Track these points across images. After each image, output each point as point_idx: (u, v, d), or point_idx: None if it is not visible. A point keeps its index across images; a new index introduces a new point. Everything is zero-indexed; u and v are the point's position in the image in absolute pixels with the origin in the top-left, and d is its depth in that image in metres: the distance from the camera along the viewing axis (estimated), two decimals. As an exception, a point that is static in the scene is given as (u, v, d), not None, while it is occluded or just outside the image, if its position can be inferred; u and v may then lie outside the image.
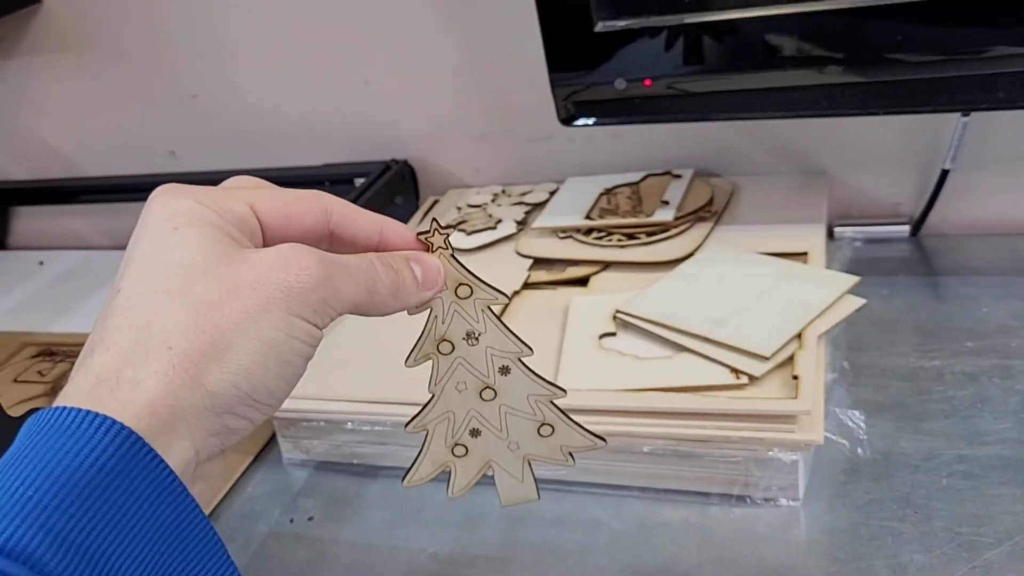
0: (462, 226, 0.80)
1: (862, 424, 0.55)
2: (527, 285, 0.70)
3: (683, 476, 0.54)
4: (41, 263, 1.07)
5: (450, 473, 0.40)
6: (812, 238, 0.68)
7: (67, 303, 0.97)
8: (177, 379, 0.29)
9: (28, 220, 1.13)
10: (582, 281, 0.69)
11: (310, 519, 0.58)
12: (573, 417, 0.40)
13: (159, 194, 0.34)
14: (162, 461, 0.28)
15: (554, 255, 0.73)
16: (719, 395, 0.53)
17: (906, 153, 0.77)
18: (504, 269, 0.72)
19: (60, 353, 0.85)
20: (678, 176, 0.80)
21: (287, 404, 0.53)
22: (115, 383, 0.29)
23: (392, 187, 0.89)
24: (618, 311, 0.62)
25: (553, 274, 0.71)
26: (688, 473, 0.53)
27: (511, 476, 0.41)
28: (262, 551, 0.56)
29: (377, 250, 0.37)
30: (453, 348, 0.38)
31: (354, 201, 0.80)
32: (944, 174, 0.74)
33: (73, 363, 0.78)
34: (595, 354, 0.59)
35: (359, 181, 0.88)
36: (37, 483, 0.26)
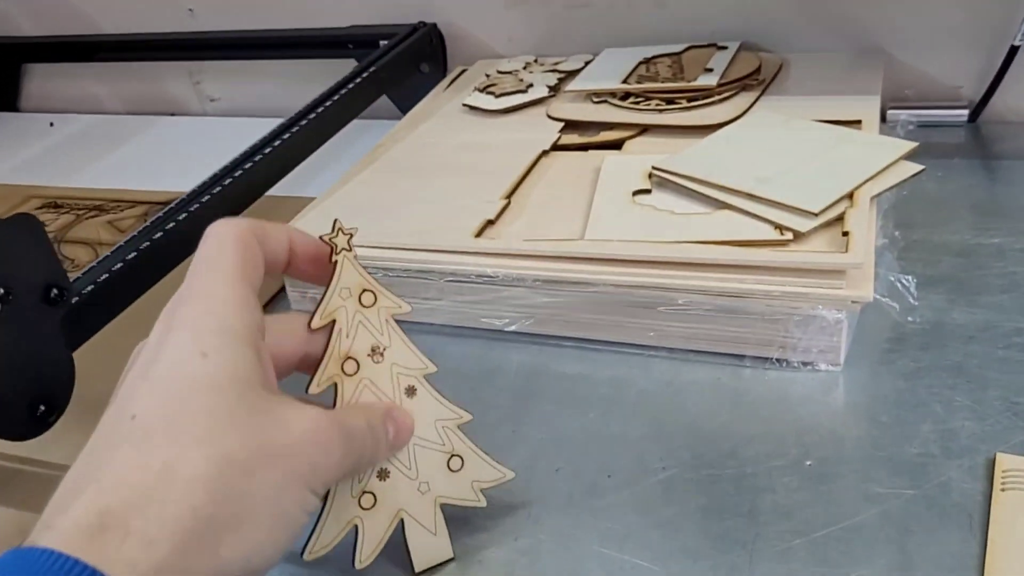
0: (490, 89, 0.75)
1: (913, 290, 0.51)
2: (556, 147, 0.66)
3: (716, 336, 0.50)
4: (52, 124, 1.03)
5: (356, 535, 0.36)
6: (866, 107, 0.64)
7: (77, 163, 0.93)
8: (193, 545, 0.27)
9: (41, 81, 1.09)
10: (616, 145, 0.65)
11: (316, 367, 0.55)
12: (480, 447, 0.38)
13: (186, 296, 0.31)
14: None
15: (587, 118, 0.68)
16: (761, 249, 0.49)
17: (971, 29, 0.71)
18: (532, 131, 0.68)
19: (66, 206, 0.82)
20: (723, 48, 0.75)
21: None
22: (124, 535, 0.25)
23: (418, 52, 0.84)
24: (654, 168, 0.57)
25: (585, 137, 0.66)
26: (721, 333, 0.49)
27: (423, 529, 0.38)
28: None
29: (290, 263, 0.36)
30: (358, 367, 0.36)
31: (376, 63, 0.76)
32: (1012, 52, 0.69)
33: (78, 216, 0.73)
34: (627, 208, 0.55)
35: (384, 44, 0.84)
36: None
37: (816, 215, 0.50)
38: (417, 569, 0.38)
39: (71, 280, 0.46)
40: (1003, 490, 0.39)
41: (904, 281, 0.51)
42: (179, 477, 0.27)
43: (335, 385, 0.35)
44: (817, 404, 0.46)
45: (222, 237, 0.33)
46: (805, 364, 0.48)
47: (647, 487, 0.42)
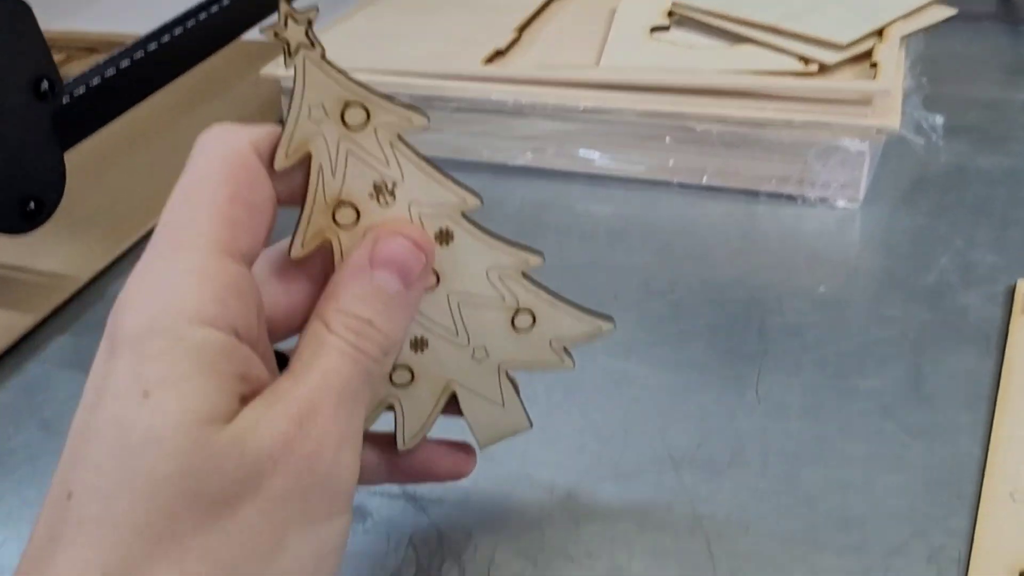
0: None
1: (939, 129, 0.49)
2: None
3: (730, 171, 0.48)
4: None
5: (394, 415, 0.28)
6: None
7: (72, 6, 0.90)
8: None
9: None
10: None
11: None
12: (561, 293, 0.27)
13: (120, 308, 0.22)
14: None
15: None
16: (785, 77, 0.46)
17: None
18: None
19: (55, 46, 0.79)
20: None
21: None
22: None
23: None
24: (674, 3, 0.55)
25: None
26: (736, 167, 0.48)
27: (484, 400, 0.29)
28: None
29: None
30: (358, 215, 0.25)
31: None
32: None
33: (69, 55, 0.68)
34: (644, 42, 0.52)
35: None
36: None
37: (844, 47, 0.48)
38: (482, 444, 0.30)
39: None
40: (1023, 313, 0.38)
41: (930, 121, 0.49)
42: None
43: (330, 243, 0.25)
44: (833, 238, 0.45)
45: (207, 165, 0.24)
46: (823, 200, 0.47)
47: (654, 307, 0.41)
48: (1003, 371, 0.35)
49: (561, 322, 0.28)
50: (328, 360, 0.23)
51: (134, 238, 0.49)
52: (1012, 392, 0.34)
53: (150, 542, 0.20)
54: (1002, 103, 0.54)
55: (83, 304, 0.46)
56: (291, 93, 0.23)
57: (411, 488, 0.34)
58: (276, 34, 0.23)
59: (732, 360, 0.38)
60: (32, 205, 0.43)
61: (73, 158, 0.46)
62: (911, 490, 0.32)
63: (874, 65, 0.46)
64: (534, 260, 0.27)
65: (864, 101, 0.44)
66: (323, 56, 0.23)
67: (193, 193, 0.23)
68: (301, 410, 0.22)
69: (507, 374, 0.29)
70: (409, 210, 0.25)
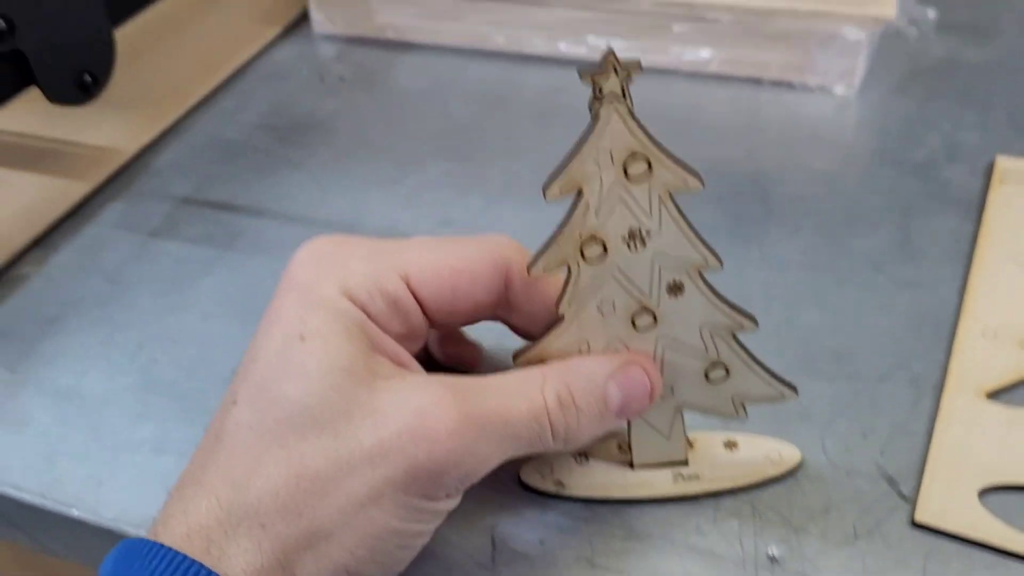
0: None
1: (931, 22, 0.52)
2: None
3: (736, 59, 0.51)
4: None
5: None
6: None
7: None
8: (267, 563, 0.24)
9: None
10: None
11: (341, 79, 0.56)
12: (758, 358, 0.29)
13: (298, 263, 0.28)
14: None
15: None
16: (790, -31, 0.50)
17: None
18: None
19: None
20: None
21: None
22: (207, 546, 0.24)
23: None
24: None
25: None
26: (741, 55, 0.51)
27: (653, 431, 0.31)
28: (290, 102, 0.54)
29: (538, 327, 0.28)
30: (604, 252, 0.26)
31: None
32: None
33: None
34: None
35: None
36: None
37: (845, -58, 0.50)
38: (637, 464, 0.31)
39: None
40: (1002, 183, 0.42)
41: (923, 14, 0.52)
42: (252, 490, 0.25)
43: (568, 270, 0.27)
44: (830, 121, 0.48)
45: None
46: (822, 88, 0.50)
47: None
48: (980, 232, 0.40)
49: (751, 382, 0.29)
50: (518, 402, 0.26)
51: (174, 116, 0.52)
52: (987, 250, 0.39)
53: (277, 445, 0.25)
54: (990, 0, 0.57)
55: (131, 175, 0.49)
56: (584, 135, 0.25)
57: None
58: (593, 78, 0.24)
59: (739, 224, 0.42)
60: (88, 78, 0.45)
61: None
62: (896, 330, 0.36)
63: (874, -41, 0.49)
64: (748, 325, 0.28)
65: (864, -8, 0.47)
66: (630, 111, 0.24)
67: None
68: (442, 409, 0.25)
69: (681, 413, 0.30)
70: (653, 259, 0.27)
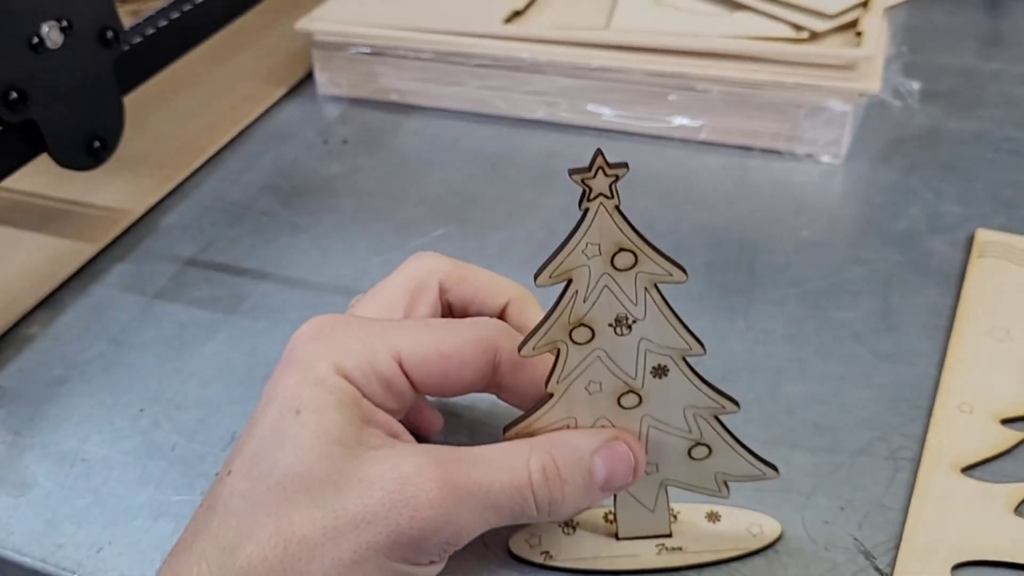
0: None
1: (916, 94, 0.54)
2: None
3: (727, 128, 0.53)
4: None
5: None
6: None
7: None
8: None
9: None
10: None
11: (344, 142, 0.58)
12: (739, 439, 0.31)
13: (302, 338, 0.30)
14: None
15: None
16: (779, 43, 0.51)
17: None
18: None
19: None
20: None
21: (330, 27, 0.52)
22: None
23: None
24: (679, -29, 0.59)
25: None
26: (732, 124, 0.53)
27: (637, 504, 0.32)
28: (295, 163, 0.56)
29: (527, 402, 0.30)
30: (592, 336, 0.28)
31: None
32: None
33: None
34: (652, 7, 0.57)
35: None
36: None
37: (832, 17, 0.52)
38: (622, 535, 0.33)
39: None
40: (980, 257, 0.43)
41: (907, 86, 0.54)
42: (241, 557, 0.26)
43: (557, 351, 0.28)
44: (817, 189, 0.50)
45: (406, 271, 0.33)
46: (809, 156, 0.52)
47: (656, 244, 0.46)
48: (959, 306, 0.41)
49: (733, 461, 0.31)
50: (502, 473, 0.28)
51: (181, 176, 0.54)
52: (965, 323, 0.40)
53: (266, 512, 0.26)
54: (975, 71, 0.59)
55: (138, 235, 0.50)
56: (574, 229, 0.26)
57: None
58: (583, 179, 0.25)
59: (725, 293, 0.43)
60: (97, 143, 0.47)
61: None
62: (876, 403, 0.37)
63: (859, 33, 0.51)
64: (730, 407, 0.29)
65: (849, 66, 0.49)
66: (617, 207, 0.26)
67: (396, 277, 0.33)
68: (423, 477, 0.27)
69: (665, 489, 0.32)
70: (639, 343, 0.28)
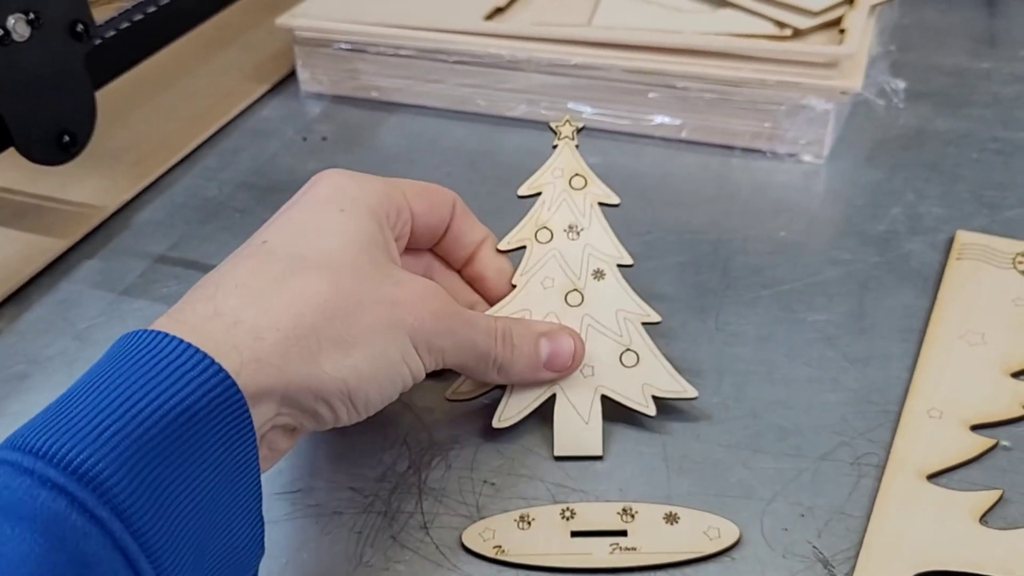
0: None
1: (901, 94, 0.53)
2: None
3: (707, 127, 0.52)
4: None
5: (502, 396, 0.36)
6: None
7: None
8: (297, 348, 0.28)
9: None
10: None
11: (324, 139, 0.57)
12: (665, 355, 0.36)
13: (328, 175, 0.34)
14: (250, 418, 0.26)
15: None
16: (761, 40, 0.50)
17: None
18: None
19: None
20: None
21: (312, 23, 0.52)
22: (234, 322, 0.27)
23: None
24: (664, -32, 0.58)
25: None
26: (713, 122, 0.52)
27: (574, 413, 0.35)
28: (272, 161, 0.55)
29: (465, 264, 0.38)
30: (551, 237, 0.37)
31: None
32: None
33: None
34: (634, 4, 0.56)
35: None
36: (119, 413, 0.24)
37: (816, 14, 0.51)
38: (556, 453, 0.35)
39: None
40: (959, 259, 0.42)
41: (893, 85, 0.53)
42: (294, 286, 0.29)
43: (524, 248, 0.37)
44: (798, 189, 0.49)
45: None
46: (791, 155, 0.51)
47: (632, 246, 0.45)
48: (935, 308, 0.40)
49: (657, 373, 0.35)
50: (481, 320, 0.34)
51: (156, 173, 0.53)
52: (939, 327, 0.39)
53: (315, 269, 0.30)
54: (965, 71, 0.58)
55: (110, 232, 0.50)
56: (550, 158, 0.39)
57: (406, 396, 0.38)
58: (556, 126, 0.39)
59: (698, 294, 0.42)
60: (67, 138, 0.47)
61: (99, 98, 0.49)
62: (843, 407, 0.36)
63: (842, 31, 0.50)
64: (653, 317, 0.36)
65: (831, 64, 0.48)
66: (576, 147, 0.38)
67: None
68: (443, 294, 0.33)
69: (600, 399, 0.35)
70: (584, 248, 0.37)
